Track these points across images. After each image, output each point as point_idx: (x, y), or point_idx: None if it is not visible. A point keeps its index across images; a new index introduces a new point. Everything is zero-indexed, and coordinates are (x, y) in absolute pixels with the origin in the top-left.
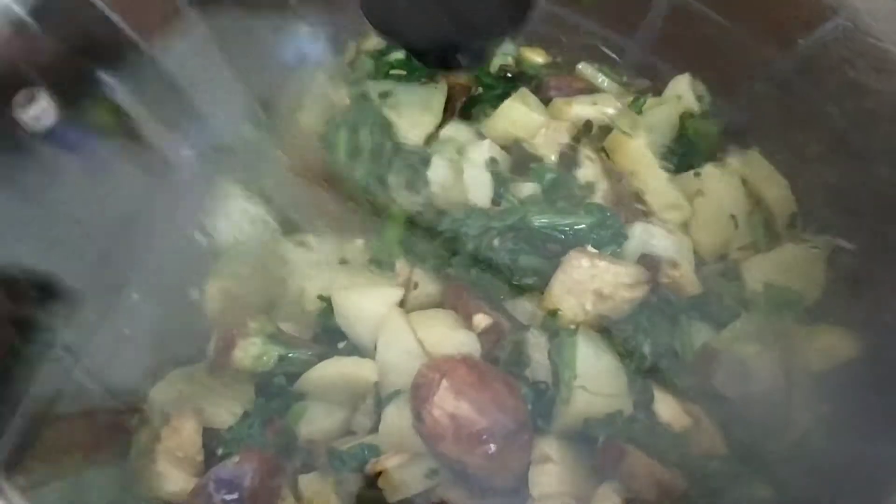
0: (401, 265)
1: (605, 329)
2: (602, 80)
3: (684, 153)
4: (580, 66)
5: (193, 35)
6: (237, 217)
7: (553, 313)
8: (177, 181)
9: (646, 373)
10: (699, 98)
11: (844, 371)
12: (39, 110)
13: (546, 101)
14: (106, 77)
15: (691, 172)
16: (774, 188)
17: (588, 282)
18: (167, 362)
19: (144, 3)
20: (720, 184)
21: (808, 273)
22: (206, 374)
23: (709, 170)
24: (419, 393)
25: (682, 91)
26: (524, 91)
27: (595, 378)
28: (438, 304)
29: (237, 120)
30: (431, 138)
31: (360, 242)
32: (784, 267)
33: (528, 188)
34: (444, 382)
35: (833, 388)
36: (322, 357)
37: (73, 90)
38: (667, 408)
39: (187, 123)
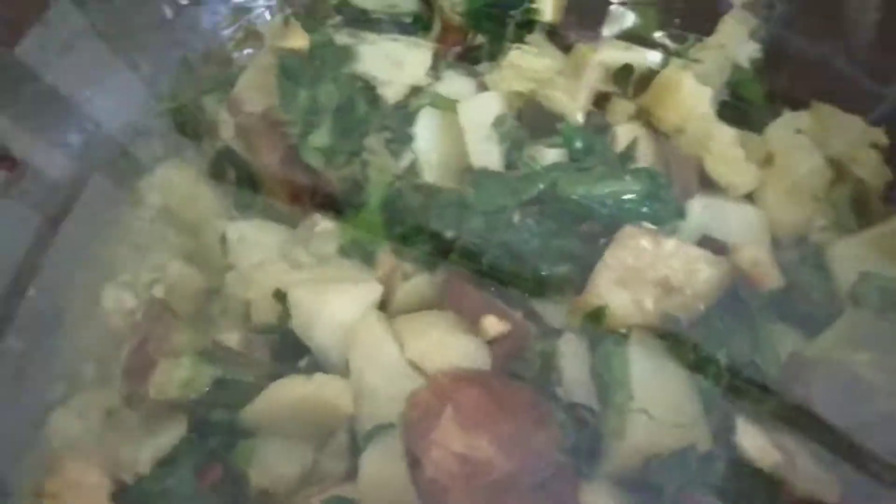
0: (383, 254)
1: (668, 334)
2: (634, 19)
3: (739, 110)
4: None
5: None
6: (167, 186)
7: (597, 313)
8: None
9: (723, 393)
10: (752, 34)
11: None
12: None
13: (567, 49)
14: None
15: (754, 134)
16: (863, 152)
17: (648, 269)
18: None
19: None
20: (793, 145)
21: None
22: (120, 404)
23: (778, 128)
24: (415, 427)
25: (735, 32)
26: (534, 36)
27: (658, 400)
28: (433, 305)
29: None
30: (418, 91)
31: (327, 225)
32: (883, 250)
33: (551, 154)
34: (449, 411)
35: None
36: (275, 378)
37: None
38: (751, 439)
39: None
